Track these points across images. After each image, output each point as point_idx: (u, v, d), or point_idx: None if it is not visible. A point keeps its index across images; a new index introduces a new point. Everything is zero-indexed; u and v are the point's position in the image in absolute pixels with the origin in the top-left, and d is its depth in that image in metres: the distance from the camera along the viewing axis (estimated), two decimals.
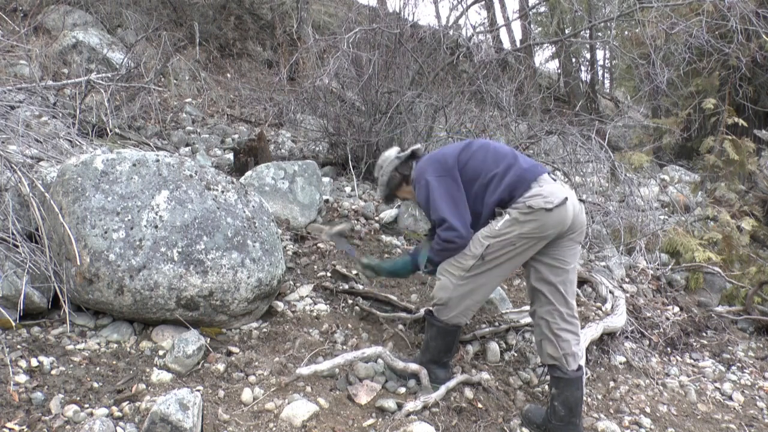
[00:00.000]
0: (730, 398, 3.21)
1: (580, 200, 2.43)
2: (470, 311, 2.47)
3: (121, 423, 2.06)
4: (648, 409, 2.93)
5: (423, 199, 2.45)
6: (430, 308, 2.56)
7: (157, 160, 2.75)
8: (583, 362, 2.87)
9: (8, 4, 7.12)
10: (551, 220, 2.25)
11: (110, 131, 4.91)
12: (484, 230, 2.36)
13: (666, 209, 6.33)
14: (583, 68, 14.17)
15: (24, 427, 1.99)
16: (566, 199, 2.26)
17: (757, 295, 4.33)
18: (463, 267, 2.37)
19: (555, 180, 2.37)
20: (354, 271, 3.49)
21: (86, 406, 2.14)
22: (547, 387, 2.73)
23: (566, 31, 10.48)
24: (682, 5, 5.62)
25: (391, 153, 2.69)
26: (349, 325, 3.02)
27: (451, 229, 2.35)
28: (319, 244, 3.72)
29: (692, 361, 3.60)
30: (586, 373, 3.02)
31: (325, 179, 4.90)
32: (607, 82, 15.85)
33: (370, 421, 2.29)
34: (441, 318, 2.49)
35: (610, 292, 3.79)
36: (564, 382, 2.40)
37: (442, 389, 2.49)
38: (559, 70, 12.78)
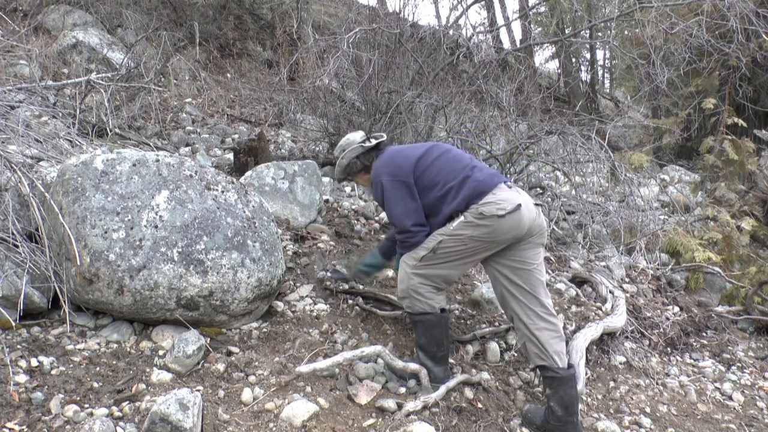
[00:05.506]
0: (730, 398, 3.22)
1: (537, 204, 2.52)
2: (433, 296, 2.54)
3: (121, 423, 2.06)
4: (648, 409, 2.93)
5: (378, 199, 2.64)
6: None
7: (157, 160, 2.75)
8: (577, 360, 2.88)
9: (8, 4, 7.12)
10: (504, 226, 2.34)
11: (110, 131, 4.91)
12: (441, 228, 2.48)
13: (666, 209, 6.33)
14: (583, 68, 14.16)
15: (24, 427, 1.99)
16: (519, 205, 2.34)
17: (757, 295, 4.33)
18: (416, 258, 2.51)
19: (510, 188, 2.45)
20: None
21: (86, 406, 2.14)
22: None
23: (566, 31, 10.47)
24: (682, 5, 5.62)
25: (356, 138, 2.78)
26: (349, 325, 3.02)
27: (401, 231, 2.53)
28: (319, 245, 3.72)
29: (692, 361, 3.60)
30: (586, 373, 3.02)
31: (325, 179, 4.90)
32: (607, 82, 15.83)
33: (370, 421, 2.29)
34: (414, 311, 2.56)
35: (610, 292, 3.79)
36: (557, 381, 2.42)
37: (442, 389, 2.49)
38: (559, 70, 12.77)
